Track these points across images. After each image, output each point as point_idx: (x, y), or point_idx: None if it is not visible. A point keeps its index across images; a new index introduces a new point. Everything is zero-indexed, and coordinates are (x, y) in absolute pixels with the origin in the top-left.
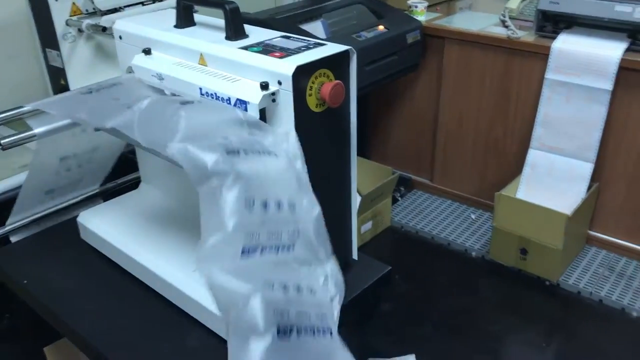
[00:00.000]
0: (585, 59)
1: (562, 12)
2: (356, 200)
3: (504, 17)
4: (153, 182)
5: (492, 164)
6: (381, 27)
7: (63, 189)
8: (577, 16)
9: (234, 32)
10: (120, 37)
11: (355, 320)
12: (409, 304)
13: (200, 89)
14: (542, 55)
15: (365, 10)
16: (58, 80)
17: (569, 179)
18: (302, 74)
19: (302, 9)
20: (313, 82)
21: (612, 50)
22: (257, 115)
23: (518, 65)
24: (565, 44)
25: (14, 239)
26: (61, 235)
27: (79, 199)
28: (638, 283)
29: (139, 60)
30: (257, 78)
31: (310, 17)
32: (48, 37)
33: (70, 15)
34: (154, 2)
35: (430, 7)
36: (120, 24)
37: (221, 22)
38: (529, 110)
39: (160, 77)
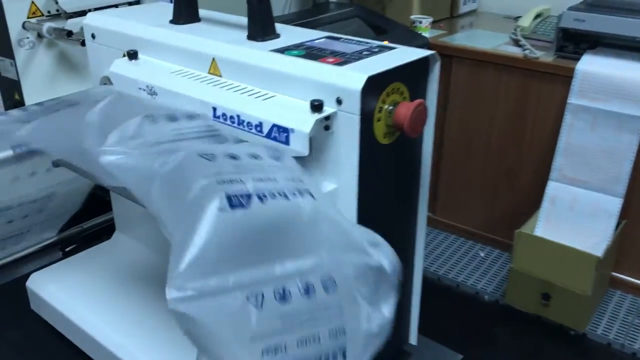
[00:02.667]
0: (613, 83)
1: (587, 31)
2: (420, 271)
3: (516, 35)
4: (130, 232)
5: (504, 196)
6: (386, 43)
7: (2, 242)
8: (604, 35)
9: (262, 29)
10: (93, 36)
11: None
12: None
13: (215, 109)
14: (563, 77)
15: (363, 25)
16: (11, 95)
17: (594, 215)
18: (372, 89)
19: (295, 21)
20: (384, 102)
21: None
22: (304, 149)
23: (536, 87)
24: (591, 65)
25: None
26: (4, 301)
27: (27, 251)
28: None
29: (121, 66)
30: (302, 94)
31: None
32: (0, 43)
33: (29, 17)
34: (129, 5)
35: (432, 24)
36: (93, 18)
37: (236, 17)
38: (547, 138)
39: (152, 91)
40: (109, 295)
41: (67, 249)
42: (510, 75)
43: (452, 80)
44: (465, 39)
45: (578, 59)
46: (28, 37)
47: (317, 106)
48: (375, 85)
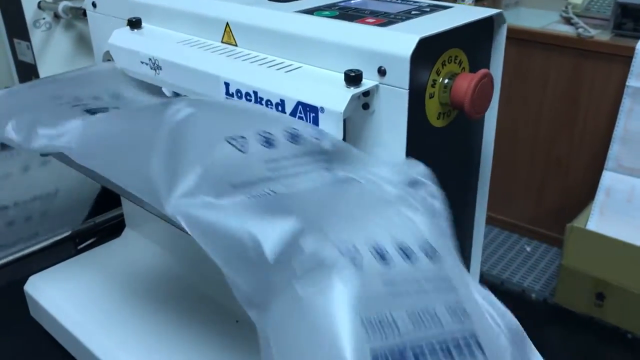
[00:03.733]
0: None
1: None
2: (477, 277)
3: (567, 13)
4: (140, 228)
5: (553, 186)
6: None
7: (9, 246)
8: None
9: None
10: (94, 5)
11: None
12: None
13: (227, 84)
14: (621, 57)
15: None
16: (28, 79)
17: None
18: (424, 56)
19: None
20: (438, 73)
21: None
22: (337, 131)
23: (590, 69)
24: None
25: None
26: (6, 306)
27: (38, 247)
28: None
29: (121, 37)
30: (336, 64)
31: None
32: (15, 25)
33: None
34: None
35: (475, 2)
36: None
37: None
38: (602, 124)
39: (156, 65)
40: (111, 302)
41: (80, 247)
42: (562, 57)
43: None
44: (511, 17)
45: (639, 37)
46: (44, 18)
47: (353, 78)
48: (428, 52)
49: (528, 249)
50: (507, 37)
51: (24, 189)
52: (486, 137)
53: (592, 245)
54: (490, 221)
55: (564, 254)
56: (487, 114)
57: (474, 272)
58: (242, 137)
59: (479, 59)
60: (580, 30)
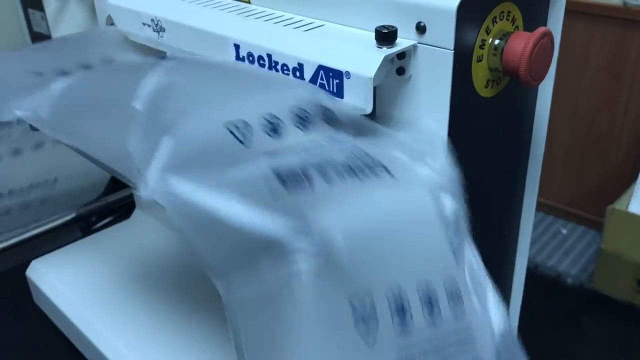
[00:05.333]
0: None
1: None
2: (524, 267)
3: None
4: (151, 209)
5: (593, 165)
6: None
7: (7, 233)
8: None
9: None
10: None
11: None
12: None
13: (237, 46)
14: None
15: None
16: None
17: None
18: (473, 10)
19: None
20: (488, 32)
21: None
22: (366, 102)
23: (636, 41)
24: None
25: None
26: (7, 292)
27: (39, 230)
28: None
29: None
30: (364, 21)
31: None
32: None
33: None
34: None
35: None
36: None
37: None
38: None
39: (159, 27)
40: (116, 287)
41: (94, 227)
42: (606, 28)
43: None
44: None
45: None
46: None
47: (386, 35)
48: (477, 5)
49: (564, 231)
50: None
51: (17, 175)
52: (540, 110)
53: (633, 229)
54: None
55: (604, 238)
56: (542, 85)
57: (521, 262)
58: (243, 121)
59: (536, 17)
60: None
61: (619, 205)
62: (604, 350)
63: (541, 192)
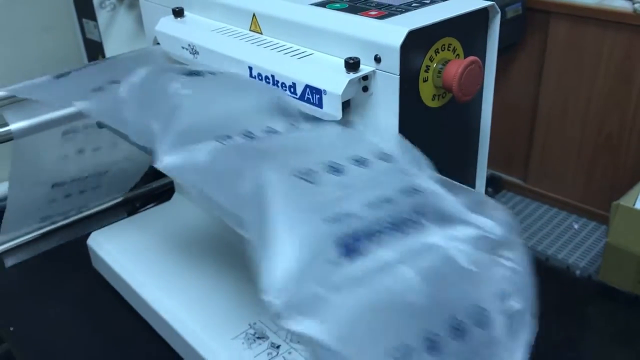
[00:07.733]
0: None
1: None
2: None
3: None
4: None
5: (603, 164)
6: None
7: (64, 214)
8: None
9: None
10: None
11: None
12: None
13: (250, 68)
14: None
15: None
16: (95, 55)
17: None
18: (415, 45)
19: None
20: (432, 60)
21: None
22: (337, 112)
23: None
24: None
25: (9, 262)
26: (69, 259)
27: (93, 210)
28: None
29: (166, 25)
30: (341, 51)
31: None
32: (84, 6)
33: None
34: None
35: None
36: None
37: None
38: None
39: (194, 50)
40: (162, 255)
41: (136, 210)
42: (617, 33)
43: (549, 39)
44: None
45: None
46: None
47: (352, 64)
48: (419, 41)
49: (576, 226)
50: (560, 13)
51: (78, 169)
52: (483, 120)
53: (638, 224)
54: (539, 198)
55: (609, 232)
56: (484, 99)
57: None
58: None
59: (474, 47)
60: (636, 5)
61: (624, 201)
62: (612, 339)
63: (555, 189)
